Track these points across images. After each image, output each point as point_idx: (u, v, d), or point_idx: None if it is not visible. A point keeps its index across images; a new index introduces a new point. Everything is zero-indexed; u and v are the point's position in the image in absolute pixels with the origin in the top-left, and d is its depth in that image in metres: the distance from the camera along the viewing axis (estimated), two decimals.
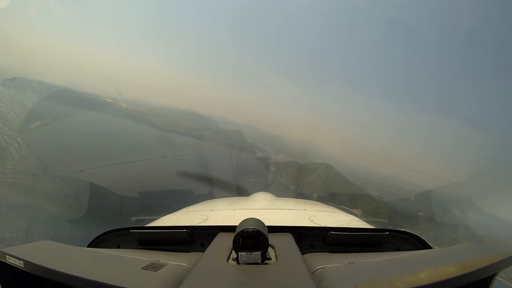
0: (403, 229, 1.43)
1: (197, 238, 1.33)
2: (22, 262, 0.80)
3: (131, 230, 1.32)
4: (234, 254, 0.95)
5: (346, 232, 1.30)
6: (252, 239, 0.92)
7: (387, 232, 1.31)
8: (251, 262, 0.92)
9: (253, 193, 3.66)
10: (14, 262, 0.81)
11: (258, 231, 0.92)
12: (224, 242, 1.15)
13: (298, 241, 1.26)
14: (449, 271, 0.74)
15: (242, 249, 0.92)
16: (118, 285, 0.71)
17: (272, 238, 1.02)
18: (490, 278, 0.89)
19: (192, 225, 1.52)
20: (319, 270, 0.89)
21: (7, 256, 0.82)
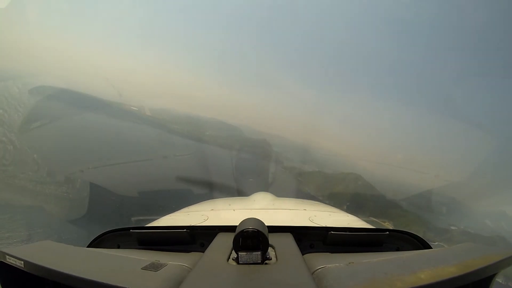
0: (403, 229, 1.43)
1: (197, 238, 1.33)
2: (22, 262, 0.80)
3: (131, 230, 1.32)
4: (234, 254, 0.95)
5: (346, 232, 1.31)
6: (252, 239, 0.92)
7: (387, 232, 1.32)
8: (251, 262, 0.92)
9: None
10: (14, 262, 0.81)
11: (258, 231, 0.92)
12: (224, 242, 1.15)
13: (298, 241, 1.26)
14: (449, 271, 0.74)
15: (242, 249, 0.92)
16: (118, 285, 0.71)
17: (272, 238, 1.02)
18: (490, 278, 0.89)
19: (192, 225, 1.52)
20: (319, 270, 0.89)
21: (7, 256, 0.82)
